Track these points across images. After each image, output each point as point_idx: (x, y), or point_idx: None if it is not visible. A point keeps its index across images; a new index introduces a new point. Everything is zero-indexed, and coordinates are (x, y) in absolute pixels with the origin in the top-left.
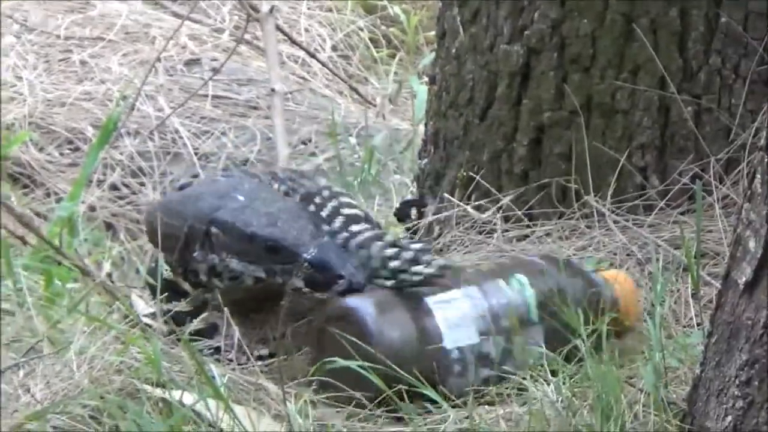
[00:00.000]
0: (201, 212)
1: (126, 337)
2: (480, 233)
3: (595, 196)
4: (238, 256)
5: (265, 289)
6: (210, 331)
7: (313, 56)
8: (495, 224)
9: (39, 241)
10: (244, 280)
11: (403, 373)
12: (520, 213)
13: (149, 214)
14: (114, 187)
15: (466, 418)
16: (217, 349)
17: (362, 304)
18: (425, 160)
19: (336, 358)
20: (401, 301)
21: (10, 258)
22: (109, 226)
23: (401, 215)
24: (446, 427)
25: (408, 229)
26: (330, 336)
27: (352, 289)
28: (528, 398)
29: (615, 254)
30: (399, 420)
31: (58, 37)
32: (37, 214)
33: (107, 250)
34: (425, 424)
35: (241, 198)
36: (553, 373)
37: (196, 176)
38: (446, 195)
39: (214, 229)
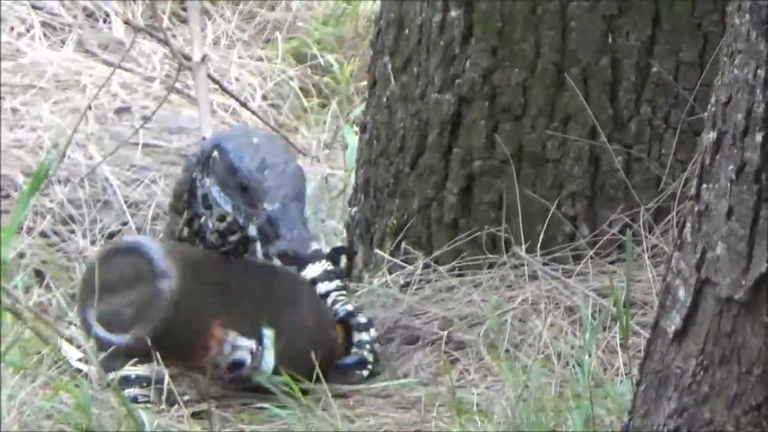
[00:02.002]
0: (217, 137)
1: (56, 383)
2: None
3: (524, 245)
4: (221, 186)
5: None
6: (142, 379)
7: (243, 105)
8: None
9: None
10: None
11: None
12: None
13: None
14: (44, 235)
15: None
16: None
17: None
18: (355, 208)
19: None
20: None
21: None
22: (38, 273)
23: (331, 262)
24: None
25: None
26: None
27: (286, 254)
28: None
29: (544, 304)
30: None
31: None
32: None
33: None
34: None
35: (255, 140)
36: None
37: None
38: (375, 244)
39: (215, 153)
